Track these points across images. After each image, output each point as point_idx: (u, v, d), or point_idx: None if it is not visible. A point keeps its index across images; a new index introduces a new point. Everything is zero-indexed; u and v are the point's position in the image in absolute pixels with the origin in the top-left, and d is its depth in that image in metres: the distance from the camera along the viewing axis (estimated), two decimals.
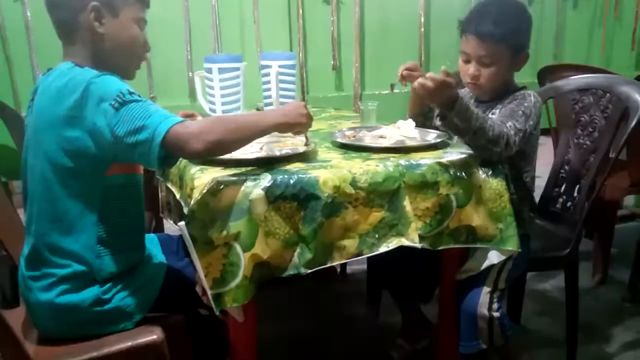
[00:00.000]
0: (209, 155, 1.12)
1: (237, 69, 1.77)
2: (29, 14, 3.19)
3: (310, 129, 1.28)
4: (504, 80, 1.45)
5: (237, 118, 1.15)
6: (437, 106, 1.26)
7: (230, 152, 1.14)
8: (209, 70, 1.76)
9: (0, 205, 1.36)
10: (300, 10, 3.77)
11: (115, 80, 1.10)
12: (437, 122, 1.30)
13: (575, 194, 1.70)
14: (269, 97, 1.83)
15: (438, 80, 1.20)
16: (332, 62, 3.89)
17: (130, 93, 1.08)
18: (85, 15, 1.16)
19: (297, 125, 1.24)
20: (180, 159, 1.16)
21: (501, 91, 1.46)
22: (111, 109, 1.05)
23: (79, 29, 1.17)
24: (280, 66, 1.80)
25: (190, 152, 1.06)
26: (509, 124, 1.32)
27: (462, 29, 1.44)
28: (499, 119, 1.34)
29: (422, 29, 4.06)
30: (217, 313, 1.10)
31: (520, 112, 1.35)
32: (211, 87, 1.77)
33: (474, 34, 1.39)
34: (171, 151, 1.06)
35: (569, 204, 1.72)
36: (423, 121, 1.57)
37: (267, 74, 1.82)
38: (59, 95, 1.10)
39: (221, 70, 1.74)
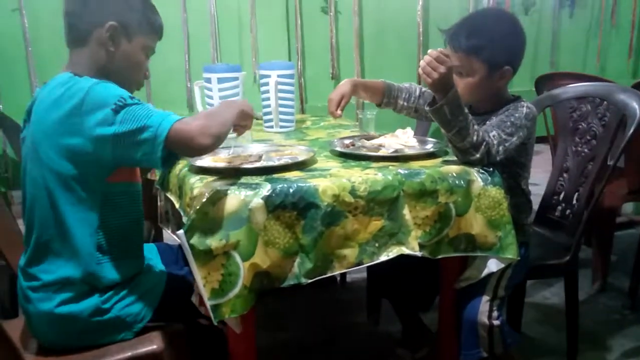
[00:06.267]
0: (211, 150, 1.14)
1: (236, 78, 1.77)
2: (26, 23, 3.20)
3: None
4: (489, 93, 1.44)
5: (218, 111, 1.19)
6: (431, 88, 1.26)
7: (220, 145, 1.16)
8: (208, 80, 1.77)
9: None
10: (299, 20, 3.80)
11: (114, 87, 1.12)
12: (426, 108, 1.30)
13: (574, 202, 1.70)
14: (268, 106, 1.83)
15: (434, 53, 1.22)
16: (331, 72, 3.91)
17: (131, 97, 1.10)
18: (102, 30, 1.17)
19: (249, 120, 1.29)
20: (179, 160, 1.19)
21: (493, 103, 1.45)
22: (111, 112, 1.06)
23: (91, 41, 1.19)
24: (279, 76, 1.81)
25: (197, 147, 1.08)
26: (493, 133, 1.32)
27: (444, 39, 1.46)
28: (485, 127, 1.34)
29: (421, 38, 4.08)
30: (216, 323, 1.09)
31: (509, 122, 1.35)
32: (210, 97, 1.78)
33: (449, 44, 1.42)
34: (175, 148, 1.08)
35: (567, 211, 1.72)
36: (394, 103, 1.63)
37: (266, 84, 1.83)
38: (57, 103, 1.11)
39: (220, 80, 1.75)
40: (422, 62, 1.23)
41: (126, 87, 1.23)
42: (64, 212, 1.14)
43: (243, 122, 1.27)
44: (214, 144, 1.10)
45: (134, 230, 1.25)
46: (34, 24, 3.17)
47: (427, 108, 1.28)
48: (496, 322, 1.37)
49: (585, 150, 1.71)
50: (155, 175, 1.54)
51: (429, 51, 1.23)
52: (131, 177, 1.24)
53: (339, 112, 1.56)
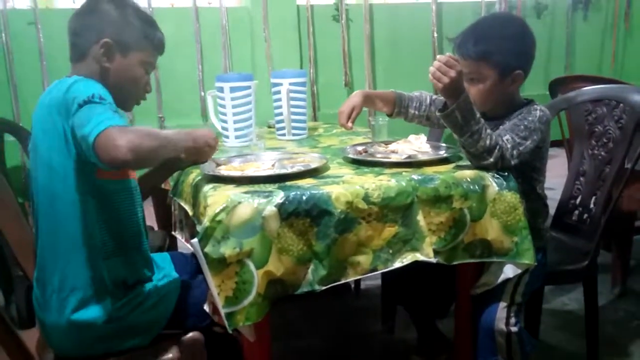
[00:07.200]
0: (129, 167, 1.16)
1: (249, 87, 1.78)
2: (41, 37, 3.26)
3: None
4: (501, 98, 1.43)
5: (159, 135, 1.11)
6: (442, 93, 1.25)
7: (144, 167, 1.17)
8: (221, 89, 1.78)
9: (16, 225, 1.37)
10: (311, 28, 3.81)
11: (92, 85, 1.12)
12: (437, 114, 1.30)
13: (592, 206, 1.68)
14: (281, 114, 1.84)
15: (443, 58, 1.21)
16: (343, 79, 3.92)
17: (101, 98, 1.07)
18: (97, 47, 1.20)
19: (202, 155, 1.25)
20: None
21: (506, 108, 1.44)
22: (77, 106, 1.06)
23: (87, 57, 1.22)
24: (291, 84, 1.81)
25: (115, 160, 1.00)
26: (507, 137, 1.31)
27: (452, 47, 1.45)
28: (498, 132, 1.33)
29: (436, 44, 4.06)
30: (230, 331, 1.09)
31: (522, 126, 1.34)
32: (223, 106, 1.79)
33: (457, 53, 1.40)
34: (98, 153, 1.01)
35: (585, 215, 1.69)
36: (405, 113, 1.64)
37: (278, 92, 1.83)
38: (49, 104, 1.14)
39: (233, 89, 1.75)
40: (431, 68, 1.23)
41: (125, 102, 1.26)
42: (64, 212, 1.16)
43: (194, 159, 1.24)
44: (133, 162, 1.02)
45: (134, 227, 1.26)
46: (49, 37, 3.22)
47: (438, 114, 1.28)
48: (514, 329, 1.35)
49: (602, 153, 1.69)
50: (169, 184, 1.55)
51: (438, 56, 1.23)
52: (122, 174, 1.24)
53: (349, 124, 1.58)
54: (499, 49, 1.37)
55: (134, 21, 1.24)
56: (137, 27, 1.24)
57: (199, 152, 1.25)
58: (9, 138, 2.25)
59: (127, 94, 1.26)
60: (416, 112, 1.64)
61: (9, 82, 3.29)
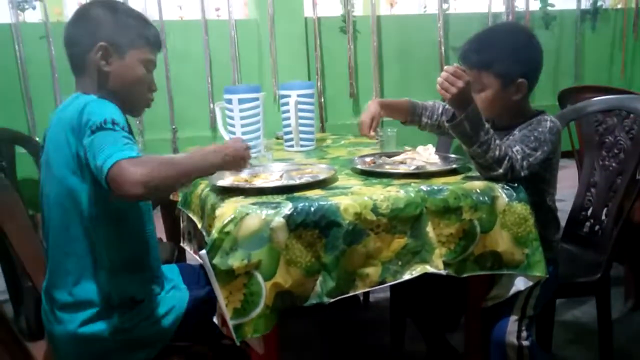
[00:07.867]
0: (142, 199, 1.16)
1: (257, 99, 1.79)
2: (53, 51, 3.30)
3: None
4: (506, 107, 1.42)
5: (179, 162, 1.09)
6: (450, 103, 1.25)
7: (160, 196, 1.17)
8: (229, 101, 1.79)
9: (26, 237, 1.38)
10: (318, 41, 3.83)
11: (108, 107, 1.11)
12: (446, 124, 1.29)
13: (603, 217, 1.66)
14: (289, 125, 1.84)
15: (450, 69, 1.22)
16: (350, 91, 3.93)
17: (113, 123, 1.06)
18: (93, 53, 1.19)
19: (234, 169, 1.24)
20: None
21: (515, 118, 1.43)
22: (89, 131, 1.06)
23: (87, 65, 1.21)
24: (299, 95, 1.82)
25: (127, 195, 1.00)
26: (517, 148, 1.30)
27: (457, 56, 1.46)
28: (508, 142, 1.32)
29: (443, 56, 4.07)
30: (238, 344, 1.09)
31: (533, 137, 1.33)
32: (231, 118, 1.79)
33: (461, 62, 1.40)
34: (111, 185, 1.00)
35: (597, 227, 1.67)
36: (418, 121, 1.65)
37: (286, 104, 1.84)
38: (63, 122, 1.13)
39: (241, 101, 1.76)
40: (439, 79, 1.23)
41: (133, 105, 1.24)
42: (75, 230, 1.16)
43: (234, 167, 1.23)
44: (146, 194, 1.01)
45: (144, 247, 1.26)
46: (61, 51, 3.27)
47: (447, 124, 1.27)
48: (525, 343, 1.33)
49: (613, 164, 1.67)
50: (178, 196, 1.55)
51: (446, 67, 1.23)
52: None
53: (372, 133, 1.58)
54: (501, 58, 1.37)
55: (126, 21, 1.22)
56: (130, 26, 1.23)
57: (231, 168, 1.23)
58: (20, 150, 2.27)
59: (132, 97, 1.24)
60: (428, 121, 1.65)
61: (23, 95, 3.34)
